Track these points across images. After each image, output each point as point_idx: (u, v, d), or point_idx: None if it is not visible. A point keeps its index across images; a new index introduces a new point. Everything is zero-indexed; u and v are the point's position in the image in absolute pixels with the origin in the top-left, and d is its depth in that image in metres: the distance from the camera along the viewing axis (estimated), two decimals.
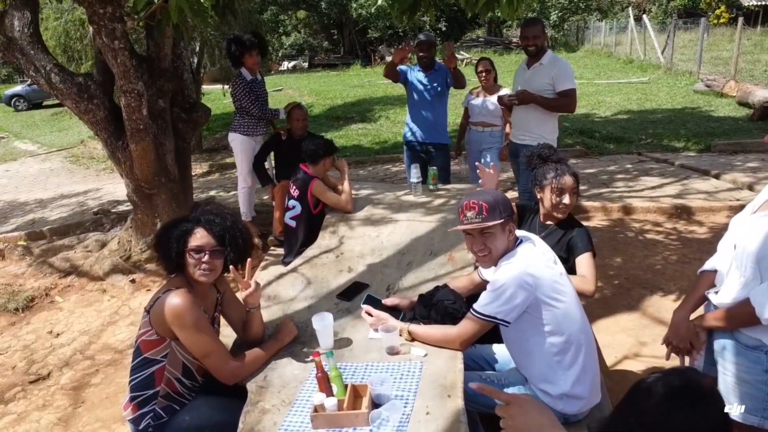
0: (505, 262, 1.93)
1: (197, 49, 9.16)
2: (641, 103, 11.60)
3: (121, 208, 6.46)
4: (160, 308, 1.90)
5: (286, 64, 29.14)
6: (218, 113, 12.29)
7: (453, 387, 1.81)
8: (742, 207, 1.83)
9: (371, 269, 2.78)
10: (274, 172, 4.83)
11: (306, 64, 29.60)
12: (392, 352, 2.03)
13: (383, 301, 2.33)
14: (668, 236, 4.88)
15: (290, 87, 18.67)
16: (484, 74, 4.68)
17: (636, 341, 3.33)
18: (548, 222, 2.60)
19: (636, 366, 3.08)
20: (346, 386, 1.78)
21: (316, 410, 1.71)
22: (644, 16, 19.67)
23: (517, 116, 4.05)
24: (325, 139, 3.64)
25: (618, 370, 3.07)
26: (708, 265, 1.89)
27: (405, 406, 1.73)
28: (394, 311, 2.27)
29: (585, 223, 2.80)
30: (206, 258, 1.98)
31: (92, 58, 6.05)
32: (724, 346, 1.73)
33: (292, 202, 3.50)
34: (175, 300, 1.88)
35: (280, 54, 30.18)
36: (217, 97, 13.74)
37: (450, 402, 1.75)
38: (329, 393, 1.75)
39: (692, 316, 1.85)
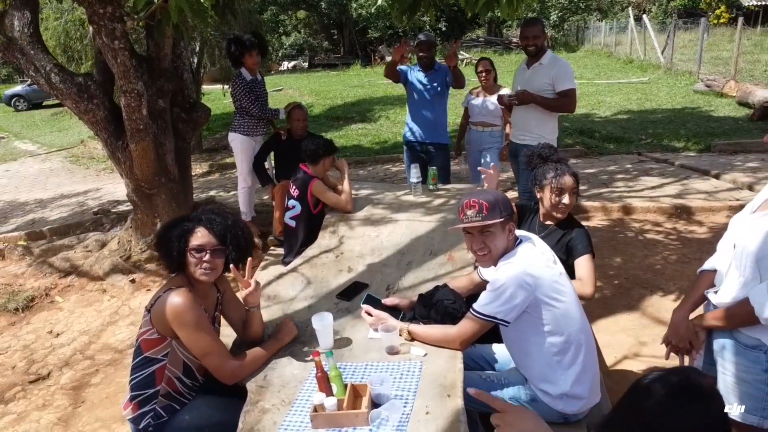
0: (505, 261, 1.93)
1: (197, 49, 9.16)
2: (641, 103, 11.60)
3: (121, 208, 6.46)
4: (161, 307, 1.91)
5: (286, 64, 29.14)
6: (218, 113, 12.29)
7: (453, 387, 1.81)
8: (741, 207, 1.83)
9: (371, 269, 2.78)
10: (274, 172, 4.83)
11: (306, 64, 29.60)
12: (392, 351, 2.03)
13: (383, 301, 2.33)
14: (668, 236, 4.88)
15: (290, 87, 18.67)
16: (484, 74, 4.69)
17: (636, 341, 3.33)
18: (548, 222, 2.61)
19: (636, 366, 3.09)
20: (345, 386, 1.78)
21: (315, 410, 1.71)
22: (644, 16, 19.67)
23: (517, 116, 4.05)
24: (325, 138, 3.64)
25: (618, 369, 3.08)
26: (707, 264, 1.89)
27: (405, 406, 1.73)
28: (393, 311, 2.27)
29: (585, 223, 2.81)
30: (207, 257, 1.98)
31: (92, 58, 6.05)
32: (723, 346, 1.73)
33: (291, 202, 3.50)
34: (176, 299, 1.89)
35: (280, 54, 30.18)
36: (217, 97, 13.74)
37: (450, 402, 1.75)
38: (329, 393, 1.75)
39: (692, 316, 1.85)
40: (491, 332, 1.99)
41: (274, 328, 2.25)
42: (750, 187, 5.71)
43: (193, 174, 5.51)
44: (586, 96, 12.32)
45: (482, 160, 4.76)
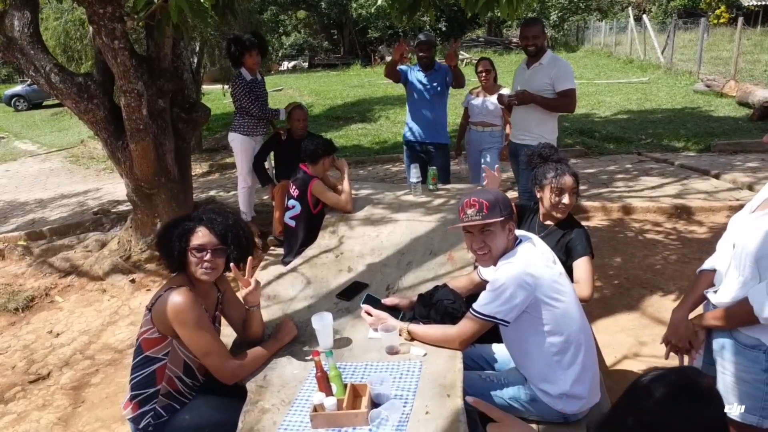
0: (505, 261, 1.94)
1: (197, 49, 9.16)
2: (641, 103, 11.60)
3: (121, 208, 6.46)
4: (162, 306, 1.91)
5: (286, 64, 29.14)
6: (218, 113, 12.30)
7: (452, 386, 1.81)
8: (741, 207, 1.83)
9: (371, 269, 2.78)
10: (273, 172, 4.83)
11: (306, 64, 29.61)
12: (392, 351, 2.03)
13: (383, 301, 2.33)
14: (668, 236, 4.88)
15: (290, 87, 18.68)
16: (484, 74, 4.69)
17: (636, 341, 3.33)
18: (548, 222, 2.61)
19: (636, 366, 3.09)
20: (345, 386, 1.78)
21: (315, 410, 1.71)
22: (644, 16, 19.67)
23: (516, 116, 4.05)
24: (325, 138, 3.64)
25: (618, 369, 3.08)
26: (707, 264, 1.89)
27: (404, 406, 1.73)
28: (393, 311, 2.27)
29: (585, 223, 2.83)
30: (208, 257, 1.99)
31: (92, 58, 6.05)
32: (722, 346, 1.73)
33: (291, 202, 3.50)
34: (177, 298, 1.89)
35: (280, 54, 30.18)
36: (217, 97, 13.74)
37: (449, 401, 1.75)
38: (329, 392, 1.75)
39: (691, 316, 1.85)
40: (491, 332, 1.99)
41: (274, 328, 2.25)
42: (750, 187, 5.71)
43: (193, 174, 5.51)
44: (586, 96, 12.32)
45: (482, 160, 4.76)
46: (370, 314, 2.21)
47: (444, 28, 26.74)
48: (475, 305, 1.94)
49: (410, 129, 4.67)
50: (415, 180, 3.65)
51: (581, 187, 2.68)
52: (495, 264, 1.98)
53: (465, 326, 1.97)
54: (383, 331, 2.07)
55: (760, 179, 5.87)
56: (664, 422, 1.05)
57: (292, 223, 3.50)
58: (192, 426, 1.96)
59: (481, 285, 2.16)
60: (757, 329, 1.62)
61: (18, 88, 21.50)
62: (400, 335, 2.09)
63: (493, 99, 4.61)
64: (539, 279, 1.86)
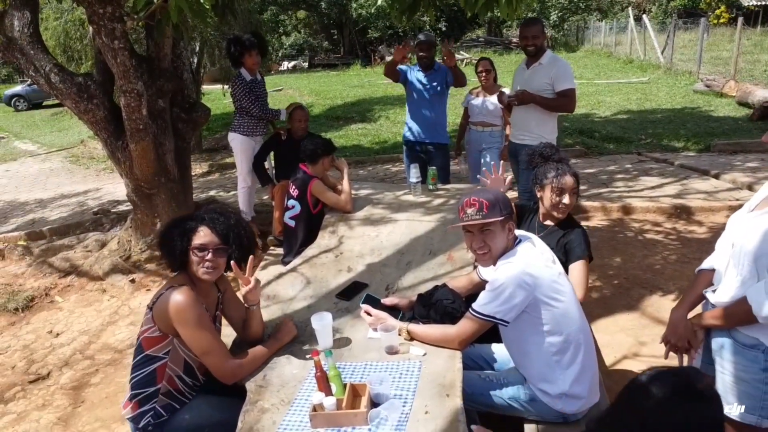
0: (504, 261, 1.94)
1: (197, 49, 9.16)
2: (641, 103, 11.60)
3: (121, 208, 6.46)
4: (164, 304, 1.91)
5: (286, 64, 29.14)
6: (218, 113, 12.30)
7: (452, 386, 1.81)
8: (741, 207, 1.83)
9: (370, 269, 2.78)
10: (273, 172, 4.84)
11: (306, 64, 29.60)
12: (391, 351, 2.04)
13: (382, 301, 2.33)
14: (668, 236, 4.88)
15: (290, 87, 18.68)
16: (484, 74, 4.69)
17: (635, 341, 3.33)
18: (547, 222, 2.61)
19: (635, 366, 3.09)
20: (345, 385, 1.78)
21: (315, 409, 1.71)
22: (644, 16, 19.67)
23: (516, 116, 4.05)
24: (324, 138, 3.65)
25: (617, 369, 3.08)
26: (706, 263, 1.89)
27: (404, 406, 1.73)
28: (393, 311, 2.28)
29: (585, 224, 2.83)
30: (210, 256, 1.99)
31: (92, 58, 6.05)
32: (721, 345, 1.73)
33: (291, 202, 3.50)
34: (179, 296, 1.90)
35: (280, 54, 30.18)
36: (217, 97, 13.74)
37: (449, 401, 1.75)
38: (328, 392, 1.76)
39: (690, 315, 1.85)
40: (490, 332, 1.99)
41: (274, 327, 2.25)
42: (750, 187, 5.71)
43: (193, 174, 5.51)
44: (586, 96, 12.32)
45: (482, 160, 4.76)
46: (369, 314, 2.21)
47: (444, 28, 26.74)
48: (474, 305, 1.94)
49: (410, 129, 4.67)
50: (415, 180, 3.65)
51: (581, 187, 2.67)
52: (494, 264, 1.98)
53: (464, 326, 1.97)
54: (383, 330, 2.07)
55: (759, 179, 5.87)
56: (664, 422, 1.05)
57: (292, 223, 3.50)
58: (192, 425, 1.96)
59: (481, 285, 2.17)
60: (755, 329, 1.63)
61: (18, 88, 21.50)
62: (399, 335, 2.09)
63: (493, 99, 4.61)
64: (539, 279, 1.87)
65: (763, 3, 22.01)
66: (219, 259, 2.02)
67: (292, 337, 2.18)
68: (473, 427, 1.33)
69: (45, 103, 20.70)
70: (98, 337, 3.85)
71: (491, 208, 1.93)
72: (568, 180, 2.48)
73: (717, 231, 4.72)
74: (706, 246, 4.43)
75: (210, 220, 2.05)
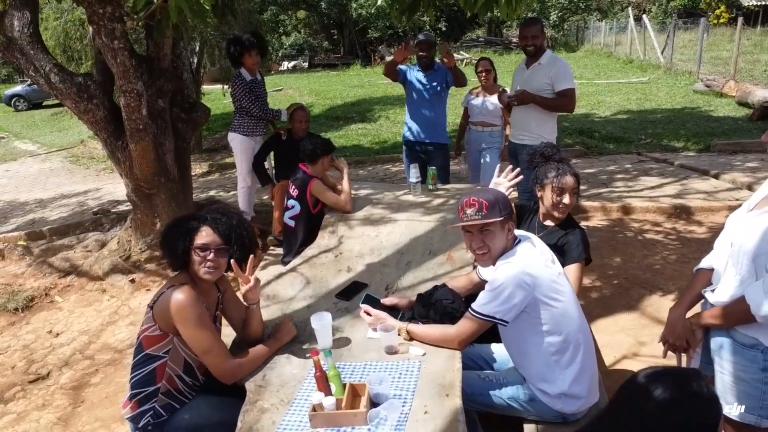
0: (504, 261, 1.94)
1: (197, 49, 9.16)
2: (641, 103, 11.60)
3: (121, 208, 6.46)
4: (165, 303, 1.92)
5: (286, 64, 29.14)
6: (218, 113, 12.30)
7: (451, 386, 1.82)
8: (740, 206, 1.83)
9: (370, 269, 2.78)
10: (273, 172, 4.84)
11: (306, 64, 29.60)
12: (391, 351, 2.04)
13: (382, 301, 2.33)
14: (667, 236, 4.88)
15: (290, 87, 18.67)
16: (483, 74, 4.69)
17: (635, 341, 3.33)
18: (547, 222, 2.61)
19: (635, 366, 3.09)
20: (344, 385, 1.78)
21: (314, 409, 1.71)
22: (644, 16, 19.67)
23: (516, 116, 4.05)
24: (323, 138, 3.65)
25: (617, 369, 3.08)
26: (704, 263, 1.89)
27: (403, 406, 1.73)
28: (392, 311, 2.28)
29: (584, 224, 2.83)
30: (211, 256, 2.00)
31: (92, 58, 6.05)
32: (720, 345, 1.74)
33: (291, 202, 3.51)
34: (180, 295, 1.90)
35: (280, 54, 30.18)
36: (217, 97, 13.74)
37: (448, 401, 1.75)
38: (328, 392, 1.76)
39: (689, 314, 1.86)
40: (490, 332, 1.99)
41: (274, 327, 2.25)
42: (749, 187, 5.71)
43: (193, 174, 5.51)
44: (586, 96, 12.32)
45: (482, 160, 4.76)
46: (369, 314, 2.21)
47: (444, 28, 26.75)
48: (473, 305, 1.94)
49: (410, 129, 4.68)
50: (415, 180, 3.65)
51: (581, 187, 2.67)
52: (494, 264, 1.98)
53: (464, 326, 1.97)
54: (382, 330, 2.07)
55: (759, 179, 5.87)
56: (663, 422, 1.05)
57: (292, 223, 3.50)
58: (191, 425, 1.97)
59: (480, 285, 2.17)
60: (754, 328, 1.63)
61: (18, 88, 21.50)
62: (399, 335, 2.09)
63: (493, 99, 4.61)
64: (538, 279, 1.87)
65: (763, 3, 22.01)
66: (220, 259, 2.03)
67: (292, 336, 2.18)
68: None
69: (45, 103, 20.70)
70: (98, 337, 3.85)
71: (491, 209, 1.93)
72: (569, 180, 2.48)
73: (717, 231, 4.69)
74: (706, 246, 4.40)
75: (212, 221, 2.05)
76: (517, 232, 2.07)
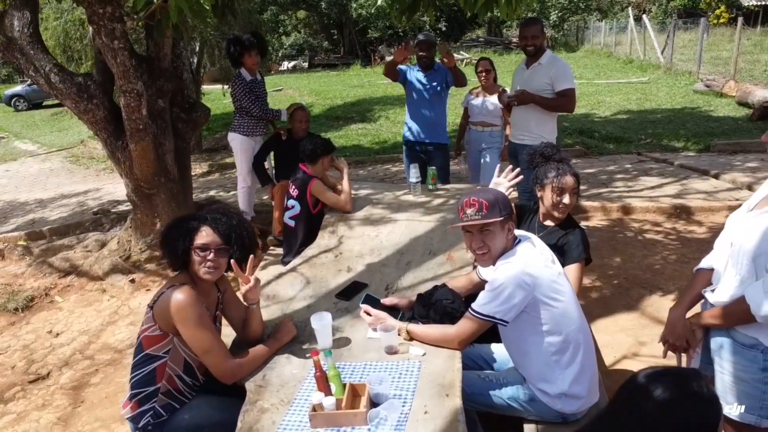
0: (504, 261, 1.94)
1: (197, 49, 9.16)
2: (641, 103, 11.60)
3: (121, 208, 6.46)
4: (165, 303, 1.92)
5: (286, 64, 29.14)
6: (218, 113, 12.30)
7: (451, 386, 1.82)
8: (740, 207, 1.83)
9: (370, 269, 2.78)
10: (273, 171, 4.84)
11: (306, 64, 29.60)
12: (391, 351, 2.04)
13: (382, 301, 2.33)
14: (667, 236, 4.88)
15: (290, 87, 18.67)
16: (483, 74, 4.69)
17: (635, 341, 3.33)
18: (547, 222, 2.61)
19: (635, 366, 3.09)
20: (344, 385, 1.78)
21: (314, 409, 1.71)
22: (644, 16, 19.68)
23: (516, 116, 4.05)
24: (323, 138, 3.65)
25: (617, 369, 3.08)
26: (704, 263, 1.89)
27: (403, 406, 1.73)
28: (392, 311, 2.28)
29: (584, 224, 2.83)
30: (211, 256, 2.00)
31: (92, 58, 6.05)
32: (720, 345, 1.74)
33: (291, 202, 3.51)
34: (180, 295, 1.90)
35: (280, 54, 30.18)
36: (217, 97, 13.74)
37: (448, 401, 1.75)
38: (328, 392, 1.76)
39: (689, 314, 1.86)
40: (490, 332, 1.99)
41: (273, 327, 2.25)
42: (749, 187, 5.71)
43: (193, 174, 5.51)
44: (586, 96, 12.32)
45: (482, 160, 4.76)
46: (369, 314, 2.21)
47: (444, 28, 26.75)
48: (473, 305, 1.94)
49: (410, 129, 4.68)
50: (415, 180, 3.65)
51: (581, 187, 2.67)
52: (494, 264, 1.98)
53: (464, 326, 1.97)
54: (382, 330, 2.07)
55: (759, 179, 5.87)
56: (663, 422, 1.05)
57: (292, 223, 3.50)
58: (191, 425, 1.97)
59: (480, 285, 2.17)
60: (754, 328, 1.63)
61: (18, 88, 21.50)
62: (399, 335, 2.09)
63: (493, 99, 4.61)
64: (538, 279, 1.87)
65: (763, 3, 22.01)
66: (220, 259, 2.03)
67: (292, 336, 2.18)
68: None
69: (45, 103, 20.70)
70: (98, 337, 3.85)
71: (491, 209, 1.93)
72: (569, 180, 2.48)
73: (717, 231, 4.69)
74: (706, 246, 4.40)
75: (212, 221, 2.06)
76: (517, 232, 2.07)
